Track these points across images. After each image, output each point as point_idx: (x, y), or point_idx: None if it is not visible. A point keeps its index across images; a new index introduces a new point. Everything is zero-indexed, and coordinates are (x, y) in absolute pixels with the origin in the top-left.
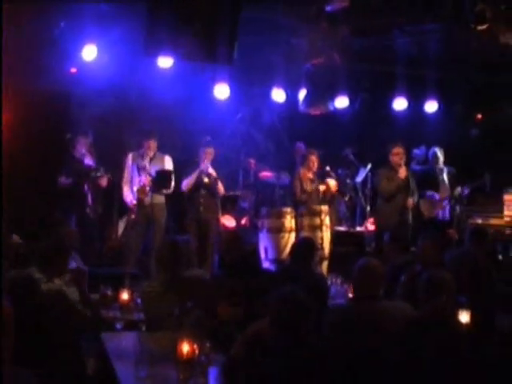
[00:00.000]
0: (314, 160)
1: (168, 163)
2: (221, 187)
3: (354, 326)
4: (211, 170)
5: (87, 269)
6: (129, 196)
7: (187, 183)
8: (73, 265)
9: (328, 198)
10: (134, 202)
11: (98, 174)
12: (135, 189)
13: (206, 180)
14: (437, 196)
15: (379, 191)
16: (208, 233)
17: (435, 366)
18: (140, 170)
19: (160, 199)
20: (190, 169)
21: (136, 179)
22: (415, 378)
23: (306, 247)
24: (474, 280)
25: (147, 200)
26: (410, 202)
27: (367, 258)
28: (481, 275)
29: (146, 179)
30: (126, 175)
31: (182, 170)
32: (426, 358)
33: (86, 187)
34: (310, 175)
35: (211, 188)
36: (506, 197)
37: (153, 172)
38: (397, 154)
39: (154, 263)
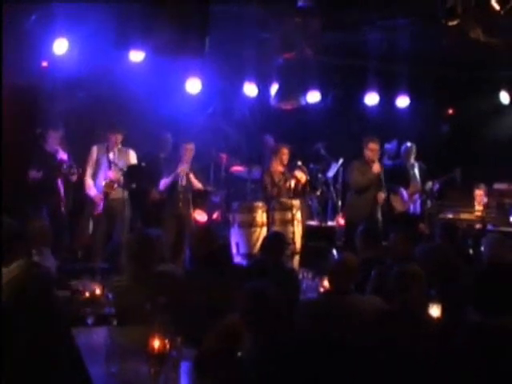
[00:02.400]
0: (285, 153)
1: (133, 158)
2: (197, 183)
3: (326, 320)
4: (188, 171)
5: (57, 263)
6: (93, 189)
7: (164, 184)
8: (47, 261)
9: (300, 191)
10: (100, 195)
11: (73, 171)
12: (103, 183)
13: (183, 182)
14: (405, 193)
15: (351, 184)
16: (184, 228)
17: (406, 358)
18: (110, 164)
19: (126, 194)
20: (170, 167)
21: (103, 173)
22: (386, 370)
23: (277, 241)
24: (444, 274)
25: (115, 194)
26: (382, 196)
27: (345, 253)
28: (450, 270)
29: (114, 173)
30: (90, 169)
31: (152, 164)
32: (397, 351)
33: (59, 182)
34: (281, 168)
35: (188, 184)
36: (477, 192)
37: (120, 166)
38: (372, 150)
39: (124, 257)
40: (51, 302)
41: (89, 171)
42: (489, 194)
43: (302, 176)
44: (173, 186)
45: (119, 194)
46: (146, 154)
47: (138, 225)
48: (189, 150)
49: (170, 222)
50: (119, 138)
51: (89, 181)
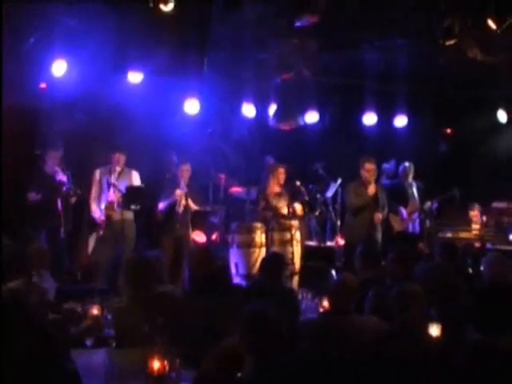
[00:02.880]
0: (282, 172)
1: (136, 179)
2: (194, 206)
3: (326, 341)
4: (185, 194)
5: (57, 285)
6: (97, 212)
7: (163, 207)
8: (46, 283)
9: (295, 217)
10: (103, 218)
11: (72, 193)
12: (103, 205)
13: (183, 202)
14: (404, 212)
15: (347, 205)
16: (182, 249)
17: (406, 378)
18: (109, 185)
19: (129, 215)
20: (167, 189)
21: (105, 195)
22: None
23: (276, 262)
24: (443, 293)
25: (116, 216)
26: (379, 216)
27: (344, 273)
28: (450, 289)
29: (113, 195)
30: (94, 191)
31: (151, 185)
32: (397, 371)
33: (58, 203)
34: (278, 189)
35: (186, 206)
36: (471, 213)
37: (121, 188)
38: (368, 171)
39: (123, 279)
40: (44, 320)
41: (93, 194)
42: (487, 212)
43: (300, 211)
44: (171, 207)
45: (119, 215)
46: (151, 174)
47: (141, 246)
48: (185, 170)
49: (168, 243)
50: (121, 159)
51: (92, 204)
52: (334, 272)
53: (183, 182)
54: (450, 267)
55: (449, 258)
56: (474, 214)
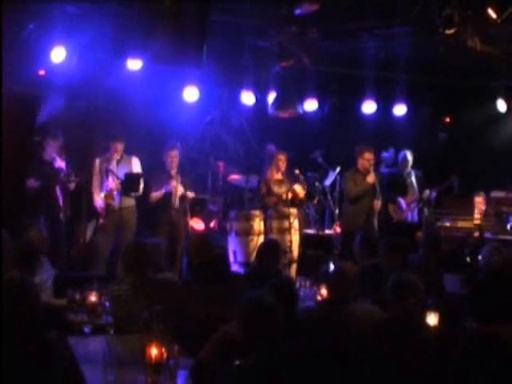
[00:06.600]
0: (282, 160)
1: (136, 165)
2: (189, 194)
3: (323, 329)
4: (180, 187)
5: (55, 272)
6: (99, 201)
7: (155, 197)
8: (45, 269)
9: (296, 202)
10: (103, 206)
11: (71, 179)
12: (102, 194)
13: (179, 191)
14: (403, 202)
15: (345, 194)
16: (178, 236)
17: (404, 367)
18: (108, 173)
19: (130, 202)
20: (158, 177)
21: (104, 184)
22: (385, 380)
23: (271, 249)
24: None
25: (116, 204)
26: (378, 204)
27: (344, 262)
28: (432, 277)
29: (113, 183)
30: (96, 180)
31: (150, 172)
32: (395, 361)
33: (57, 190)
34: (279, 176)
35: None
36: (477, 199)
37: (121, 175)
38: (368, 160)
39: (121, 266)
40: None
41: (94, 183)
42: (486, 202)
43: (300, 191)
44: (165, 195)
45: (118, 204)
46: (150, 162)
47: (143, 233)
48: (174, 156)
49: (163, 230)
50: (119, 146)
51: (94, 193)
52: (330, 263)
53: (174, 171)
54: (431, 257)
55: (431, 248)
56: (479, 200)
